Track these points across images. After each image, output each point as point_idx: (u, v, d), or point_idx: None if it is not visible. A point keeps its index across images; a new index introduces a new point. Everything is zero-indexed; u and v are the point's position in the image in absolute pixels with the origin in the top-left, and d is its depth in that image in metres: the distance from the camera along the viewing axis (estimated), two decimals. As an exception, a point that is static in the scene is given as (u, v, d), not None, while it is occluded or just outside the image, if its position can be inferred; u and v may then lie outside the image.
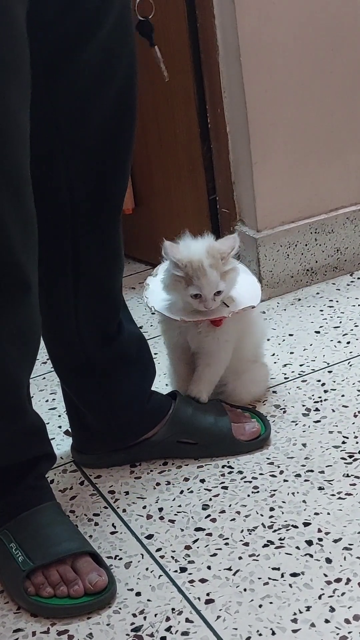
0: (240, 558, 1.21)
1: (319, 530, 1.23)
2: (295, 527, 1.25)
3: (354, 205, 2.04)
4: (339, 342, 1.75)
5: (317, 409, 1.53)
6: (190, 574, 1.19)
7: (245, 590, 1.15)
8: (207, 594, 1.15)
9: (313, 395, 1.57)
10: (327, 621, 1.08)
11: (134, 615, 1.14)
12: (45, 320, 1.21)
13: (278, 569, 1.18)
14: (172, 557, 1.23)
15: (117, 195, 1.27)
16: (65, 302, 1.30)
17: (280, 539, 1.23)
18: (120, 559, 1.24)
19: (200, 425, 1.42)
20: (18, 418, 1.21)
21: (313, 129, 1.94)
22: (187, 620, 1.12)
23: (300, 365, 1.68)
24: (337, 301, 1.93)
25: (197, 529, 1.27)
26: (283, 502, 1.30)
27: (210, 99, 1.95)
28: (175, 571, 1.20)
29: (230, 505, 1.31)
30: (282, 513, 1.28)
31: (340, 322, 1.83)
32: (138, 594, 1.17)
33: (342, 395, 1.56)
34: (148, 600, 1.16)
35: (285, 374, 1.66)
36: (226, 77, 1.89)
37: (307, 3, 1.84)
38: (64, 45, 1.12)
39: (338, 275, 2.06)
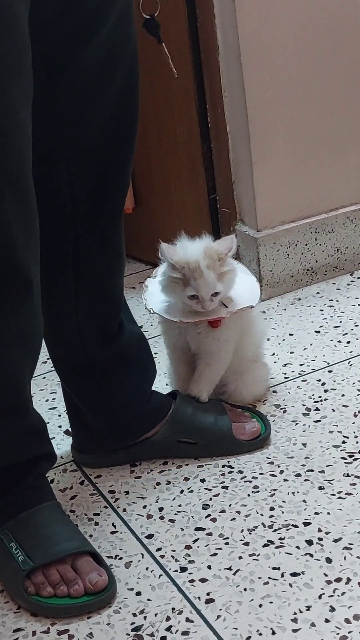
0: (240, 558, 1.21)
1: (319, 530, 1.23)
2: (296, 526, 1.25)
3: (354, 204, 2.04)
4: (339, 341, 1.75)
5: (317, 409, 1.53)
6: (190, 573, 1.19)
7: (245, 589, 1.15)
8: (208, 594, 1.15)
9: (313, 395, 1.57)
10: (327, 621, 1.08)
11: (134, 614, 1.14)
12: (45, 320, 1.21)
13: (278, 568, 1.18)
14: (173, 557, 1.23)
15: (117, 195, 1.27)
16: (66, 302, 1.30)
17: (280, 539, 1.23)
18: (121, 558, 1.24)
19: (201, 425, 1.42)
20: (19, 418, 1.21)
21: (313, 128, 1.94)
22: (188, 619, 1.12)
23: (301, 365, 1.68)
24: (337, 301, 1.93)
25: (198, 529, 1.27)
26: (283, 501, 1.30)
27: (211, 99, 1.95)
28: (176, 571, 1.20)
29: (230, 505, 1.31)
30: (282, 513, 1.28)
31: (341, 322, 1.83)
32: (138, 593, 1.17)
33: (342, 395, 1.56)
34: (148, 599, 1.16)
35: (285, 374, 1.66)
36: (226, 77, 1.89)
37: (307, 3, 1.84)
38: (64, 45, 1.12)
39: (338, 274, 2.06)
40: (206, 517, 1.29)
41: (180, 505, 1.33)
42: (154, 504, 1.34)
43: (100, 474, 1.43)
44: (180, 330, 1.44)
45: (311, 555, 1.19)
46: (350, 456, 1.39)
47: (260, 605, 1.12)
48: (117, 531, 1.30)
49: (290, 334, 1.81)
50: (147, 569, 1.21)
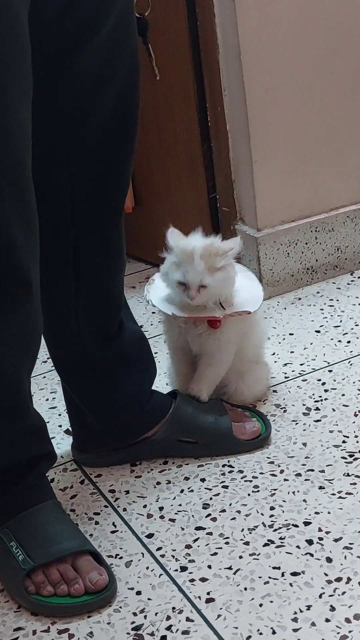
0: (240, 557, 1.21)
1: (320, 530, 1.23)
2: (296, 526, 1.25)
3: (354, 204, 2.04)
4: (340, 341, 1.75)
5: (317, 408, 1.53)
6: (190, 572, 1.19)
7: (245, 589, 1.15)
8: (208, 593, 1.15)
9: (313, 395, 1.57)
10: (327, 620, 1.08)
11: (135, 614, 1.14)
12: (45, 320, 1.21)
13: (278, 568, 1.18)
14: (173, 556, 1.23)
15: (117, 195, 1.27)
16: (66, 302, 1.30)
17: (280, 538, 1.23)
18: (121, 557, 1.24)
19: (201, 424, 1.42)
20: (19, 418, 1.21)
21: (313, 127, 1.94)
22: (188, 619, 1.12)
23: (301, 365, 1.68)
24: (337, 300, 1.93)
25: (198, 528, 1.27)
26: (283, 501, 1.30)
27: (211, 98, 1.95)
28: (176, 570, 1.20)
29: (230, 504, 1.31)
30: (283, 512, 1.28)
31: (341, 321, 1.83)
32: (138, 592, 1.17)
33: (343, 395, 1.56)
34: (148, 599, 1.16)
35: (285, 373, 1.66)
36: (226, 76, 1.89)
37: (307, 2, 1.84)
38: (65, 45, 1.12)
39: (338, 274, 2.06)
40: (206, 516, 1.30)
41: (180, 505, 1.33)
42: (154, 503, 1.34)
43: (100, 473, 1.43)
44: (181, 330, 1.44)
45: (311, 555, 1.19)
46: (351, 456, 1.39)
47: (261, 605, 1.12)
48: (117, 530, 1.30)
49: (291, 334, 1.81)
50: (147, 568, 1.21)
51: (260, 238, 1.94)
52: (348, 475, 1.34)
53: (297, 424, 1.49)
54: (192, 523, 1.29)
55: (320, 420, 1.49)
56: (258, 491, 1.33)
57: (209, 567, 1.20)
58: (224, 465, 1.40)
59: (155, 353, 1.55)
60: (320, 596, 1.12)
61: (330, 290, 1.99)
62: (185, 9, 1.88)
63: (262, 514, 1.28)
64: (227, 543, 1.24)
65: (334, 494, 1.30)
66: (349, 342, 1.74)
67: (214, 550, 1.23)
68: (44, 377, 1.76)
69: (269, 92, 1.86)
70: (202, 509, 1.31)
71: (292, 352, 1.74)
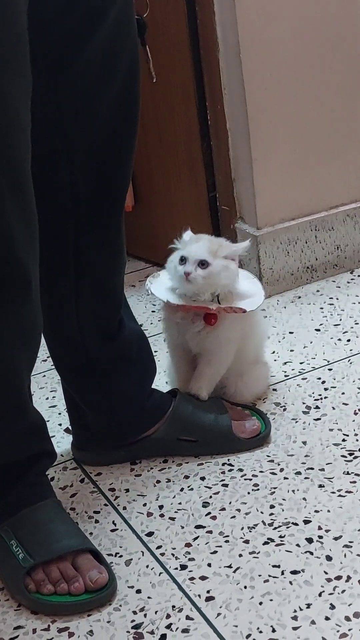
0: (240, 555, 1.21)
1: (319, 528, 1.23)
2: (296, 524, 1.25)
3: (354, 202, 2.04)
4: (339, 339, 1.75)
5: (317, 407, 1.53)
6: (190, 571, 1.19)
7: (245, 587, 1.15)
8: (208, 591, 1.15)
9: (313, 393, 1.57)
10: (327, 618, 1.08)
11: (135, 612, 1.14)
12: (45, 320, 1.21)
13: (278, 566, 1.18)
14: (173, 555, 1.23)
15: (118, 194, 1.27)
16: (66, 302, 1.29)
17: (280, 537, 1.23)
18: (121, 556, 1.24)
19: (201, 423, 1.42)
20: (19, 417, 1.21)
21: (313, 126, 1.94)
22: (188, 617, 1.12)
23: (301, 363, 1.68)
24: (337, 299, 1.93)
25: (198, 527, 1.27)
26: (283, 499, 1.30)
27: (210, 96, 1.95)
28: (176, 568, 1.20)
29: (230, 503, 1.31)
30: (283, 510, 1.28)
31: (341, 320, 1.83)
32: (138, 591, 1.17)
33: (342, 393, 1.56)
34: (148, 597, 1.16)
35: (285, 372, 1.66)
36: (226, 74, 1.89)
37: (307, 0, 1.84)
38: (66, 43, 1.12)
39: (338, 272, 2.06)
40: (206, 515, 1.30)
41: (180, 503, 1.33)
42: (154, 501, 1.34)
43: (100, 472, 1.43)
44: (179, 328, 1.44)
45: (311, 553, 1.19)
46: (350, 454, 1.39)
47: (261, 603, 1.12)
48: (117, 529, 1.30)
49: (291, 332, 1.81)
50: (147, 566, 1.21)
51: (260, 236, 1.94)
52: (348, 473, 1.34)
53: (296, 422, 1.49)
54: (192, 521, 1.29)
55: (320, 419, 1.49)
56: (258, 489, 1.33)
57: (209, 565, 1.20)
58: (223, 464, 1.40)
59: (155, 352, 1.55)
60: (320, 594, 1.12)
61: (330, 288, 1.99)
62: (185, 7, 1.88)
63: (261, 513, 1.28)
64: (227, 541, 1.24)
65: (333, 493, 1.30)
66: (348, 340, 1.74)
67: (214, 549, 1.23)
68: (44, 375, 1.76)
69: (268, 91, 1.86)
70: (202, 508, 1.31)
71: (292, 350, 1.74)
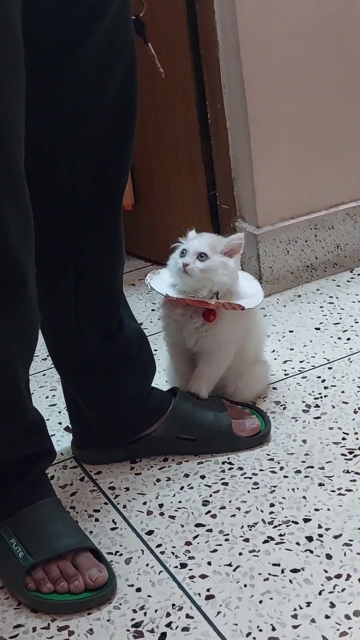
0: (240, 554, 1.21)
1: (319, 526, 1.23)
2: (296, 523, 1.25)
3: (354, 201, 2.04)
4: (339, 338, 1.75)
5: (317, 405, 1.53)
6: (190, 569, 1.19)
7: (245, 586, 1.15)
8: (208, 590, 1.15)
9: (313, 392, 1.57)
10: (327, 617, 1.08)
11: (134, 611, 1.14)
12: (45, 320, 1.21)
13: (278, 564, 1.18)
14: (173, 553, 1.23)
15: (117, 192, 1.26)
16: (66, 302, 1.29)
17: (280, 535, 1.23)
18: (121, 554, 1.24)
19: (201, 422, 1.42)
20: (18, 416, 1.21)
21: (313, 125, 1.94)
22: (188, 616, 1.12)
23: (301, 362, 1.68)
24: (337, 297, 1.93)
25: (198, 525, 1.27)
26: (283, 498, 1.31)
27: (210, 95, 1.95)
28: (176, 567, 1.20)
29: (230, 501, 1.31)
30: (282, 509, 1.28)
31: (340, 319, 1.83)
32: (138, 589, 1.17)
33: (342, 392, 1.56)
34: (148, 596, 1.16)
35: (285, 371, 1.66)
36: (226, 73, 1.89)
37: (307, 0, 1.84)
38: (66, 43, 1.11)
39: (338, 271, 2.06)
40: (206, 513, 1.30)
41: (180, 502, 1.33)
42: (154, 500, 1.34)
43: (100, 471, 1.43)
44: (177, 326, 1.44)
45: (311, 552, 1.19)
46: (350, 452, 1.39)
47: (261, 602, 1.12)
48: (117, 527, 1.30)
49: (290, 331, 1.81)
50: (147, 565, 1.21)
51: (259, 235, 1.94)
52: (348, 472, 1.34)
53: (296, 421, 1.49)
54: (192, 520, 1.29)
55: (319, 418, 1.49)
56: (258, 488, 1.33)
57: (209, 564, 1.20)
58: (223, 462, 1.40)
59: (155, 350, 1.55)
60: (320, 593, 1.12)
61: (329, 287, 1.99)
62: (184, 6, 1.88)
63: (261, 511, 1.28)
64: (226, 540, 1.24)
65: (333, 491, 1.30)
66: (348, 339, 1.74)
67: (214, 547, 1.23)
68: (44, 374, 1.76)
69: (268, 90, 1.86)
70: (201, 506, 1.31)
71: (291, 349, 1.74)
